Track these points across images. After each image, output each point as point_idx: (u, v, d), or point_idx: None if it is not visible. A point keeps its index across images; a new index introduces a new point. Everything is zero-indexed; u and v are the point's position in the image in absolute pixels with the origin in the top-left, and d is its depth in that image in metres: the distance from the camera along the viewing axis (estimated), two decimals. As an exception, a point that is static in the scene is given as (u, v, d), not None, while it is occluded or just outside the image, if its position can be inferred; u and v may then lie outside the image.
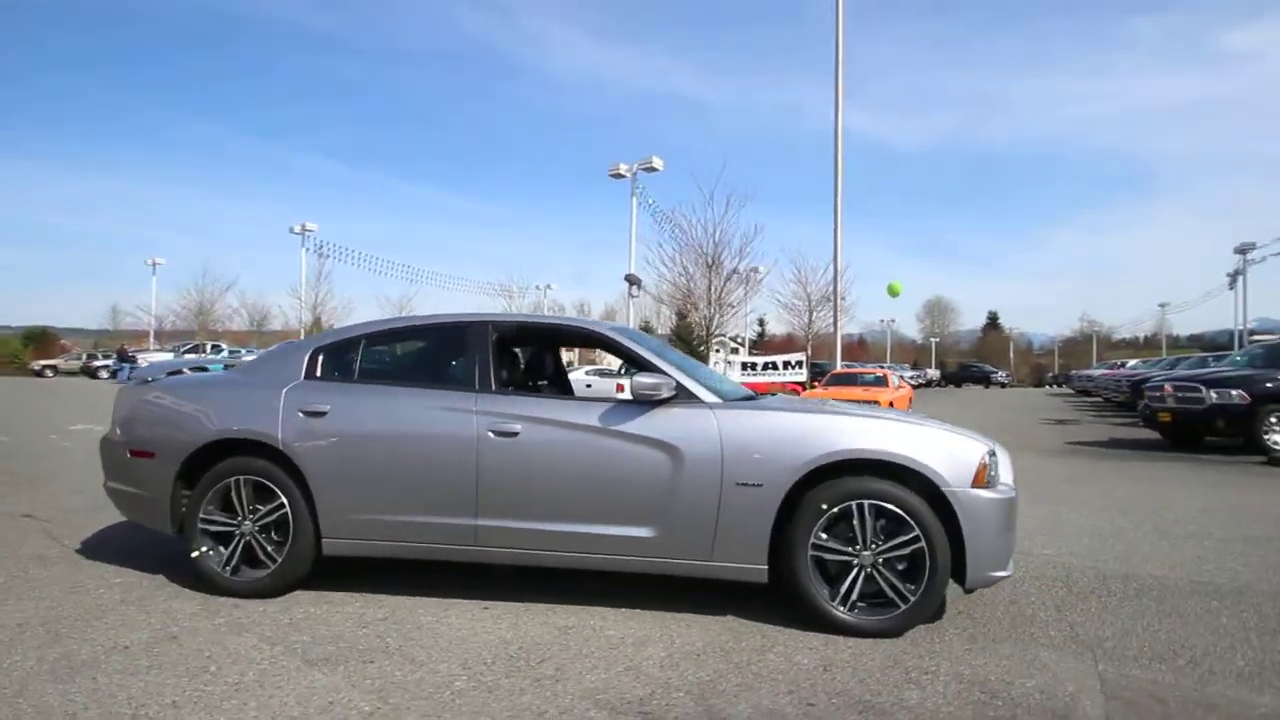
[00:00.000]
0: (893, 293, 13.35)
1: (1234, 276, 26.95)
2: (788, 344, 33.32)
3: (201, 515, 2.98)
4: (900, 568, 2.61)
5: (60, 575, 3.25)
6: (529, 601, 2.93)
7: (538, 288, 43.70)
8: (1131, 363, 23.90)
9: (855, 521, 2.61)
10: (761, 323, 58.76)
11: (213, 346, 21.80)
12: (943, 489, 2.58)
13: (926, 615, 2.62)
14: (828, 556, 2.63)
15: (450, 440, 2.84)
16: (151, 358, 21.39)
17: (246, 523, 2.96)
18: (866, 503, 2.60)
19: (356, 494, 2.89)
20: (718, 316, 15.55)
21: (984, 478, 2.63)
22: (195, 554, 2.98)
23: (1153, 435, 10.33)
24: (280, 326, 40.34)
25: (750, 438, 2.70)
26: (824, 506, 2.62)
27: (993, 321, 75.03)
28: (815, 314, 24.57)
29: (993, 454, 2.71)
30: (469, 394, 2.92)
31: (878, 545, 2.60)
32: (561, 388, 3.96)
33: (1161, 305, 45.52)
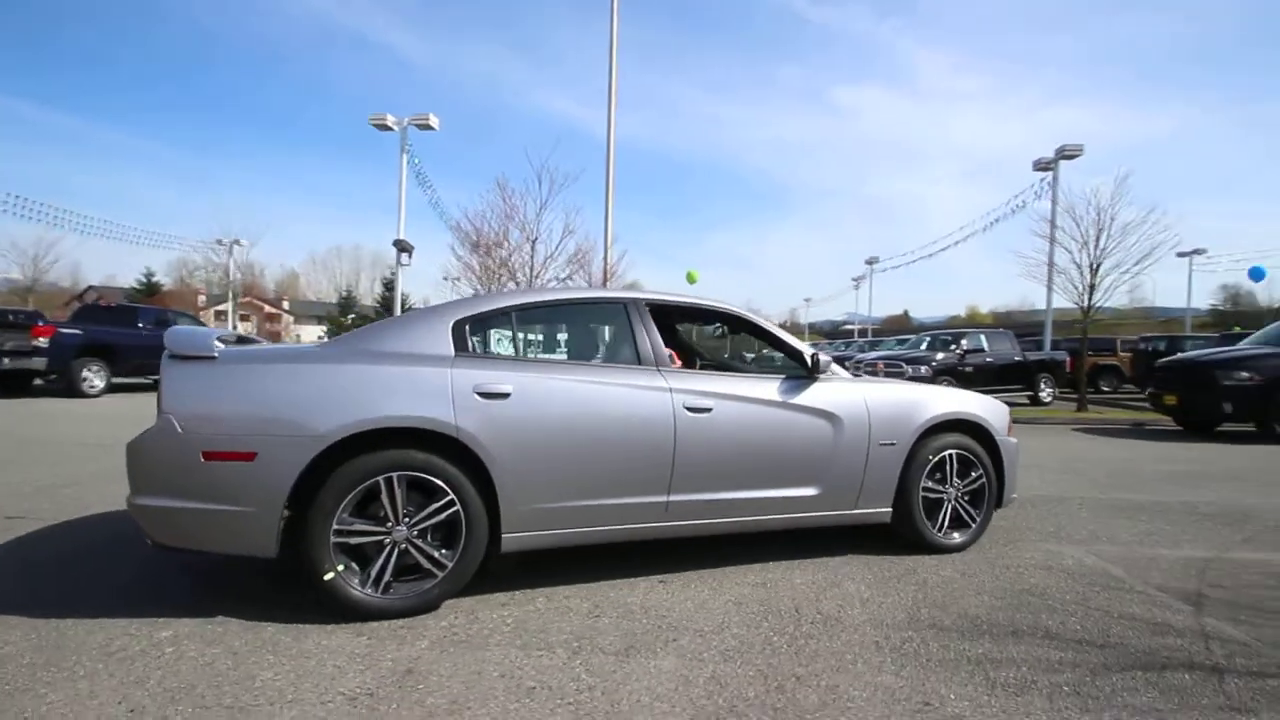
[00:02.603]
0: (690, 280, 14.92)
1: (858, 281, 36.61)
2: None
3: (335, 526, 2.39)
4: (967, 499, 3.50)
5: (51, 640, 2.22)
6: (671, 572, 3.04)
7: (220, 242, 36.10)
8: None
9: (947, 467, 3.42)
10: (476, 296, 57.96)
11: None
12: (995, 438, 3.54)
13: (984, 531, 3.57)
14: (930, 496, 3.39)
15: (649, 418, 2.80)
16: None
17: (400, 528, 2.47)
18: (955, 452, 3.43)
19: (545, 482, 2.65)
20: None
21: (1011, 428, 3.67)
22: (329, 576, 2.38)
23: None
24: None
25: (885, 405, 3.29)
26: (930, 458, 3.37)
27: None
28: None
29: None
30: (654, 371, 2.90)
31: (959, 484, 3.45)
32: None
33: (806, 300, 58.58)
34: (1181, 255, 25.84)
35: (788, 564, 3.20)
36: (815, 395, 3.15)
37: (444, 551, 2.53)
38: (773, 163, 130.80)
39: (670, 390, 2.86)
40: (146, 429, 2.36)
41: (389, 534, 2.46)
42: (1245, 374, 7.75)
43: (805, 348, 3.27)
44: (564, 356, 2.96)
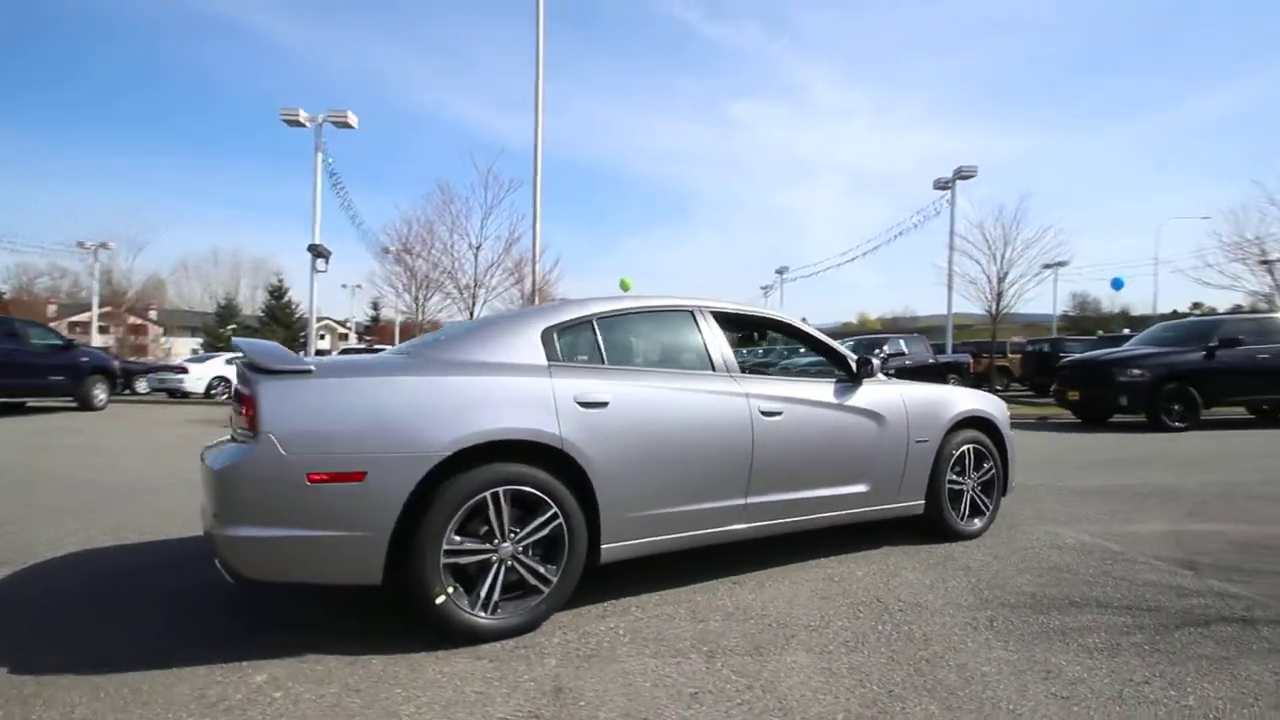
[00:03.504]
0: (624, 287, 15.02)
1: (766, 289, 38.49)
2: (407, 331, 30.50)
3: (445, 547, 2.28)
4: (980, 489, 3.83)
5: (126, 697, 1.97)
6: (736, 574, 3.12)
7: (82, 245, 32.26)
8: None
9: (966, 460, 3.73)
10: (376, 306, 55.32)
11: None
12: (1002, 432, 3.90)
13: (995, 516, 3.91)
14: (953, 487, 3.68)
15: (731, 423, 2.87)
16: None
17: (506, 545, 2.40)
18: (972, 447, 3.75)
19: (641, 490, 2.65)
20: (483, 297, 14.63)
21: (1009, 423, 4.06)
22: (442, 599, 2.27)
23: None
24: None
25: (918, 405, 3.54)
26: (954, 452, 3.66)
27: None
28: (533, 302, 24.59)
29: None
30: (729, 376, 2.98)
31: (975, 475, 3.77)
32: None
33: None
34: (1047, 266, 29.05)
35: (839, 558, 3.37)
36: (863, 397, 3.35)
37: (549, 566, 2.48)
38: (675, 173, 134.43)
39: (747, 395, 2.95)
40: (237, 454, 2.15)
41: (495, 551, 2.38)
42: (1137, 371, 8.92)
43: (850, 353, 3.47)
44: (643, 364, 2.96)
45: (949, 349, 17.57)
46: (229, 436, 2.69)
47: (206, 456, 2.38)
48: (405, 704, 1.95)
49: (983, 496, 3.81)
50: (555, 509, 2.47)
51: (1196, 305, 43.80)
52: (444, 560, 2.28)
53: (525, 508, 2.45)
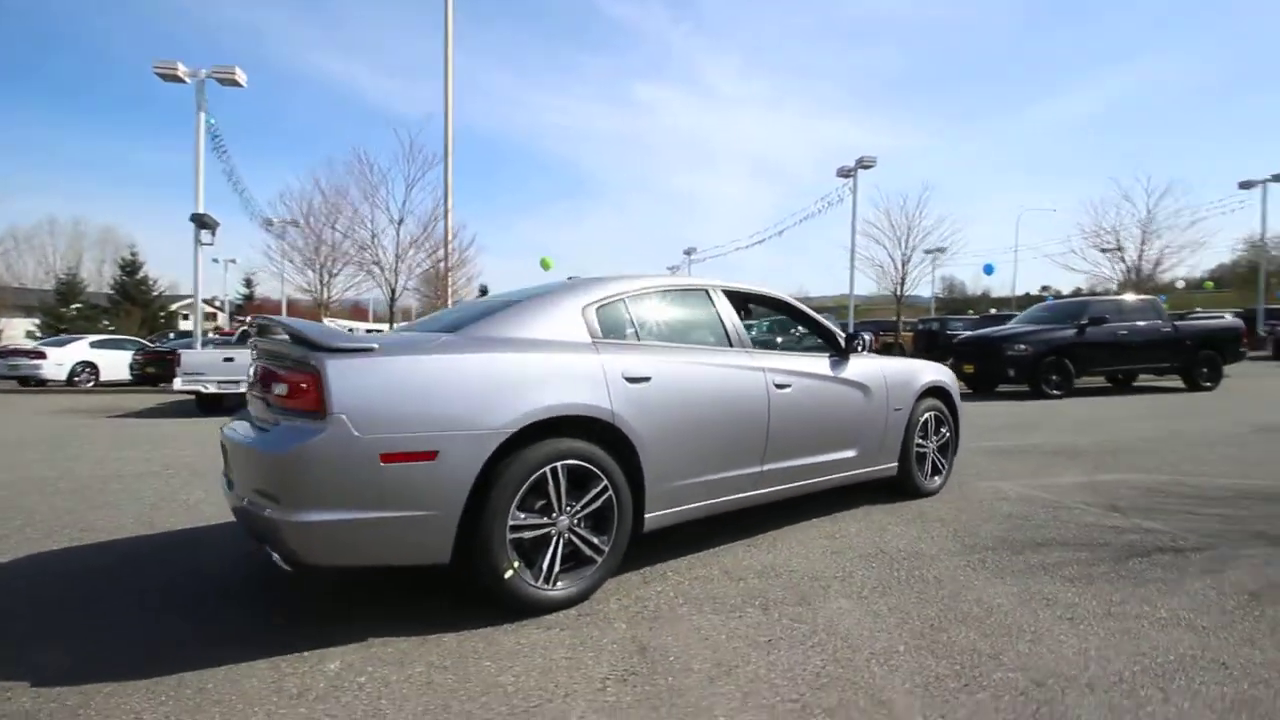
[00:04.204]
0: (545, 266, 14.74)
1: (674, 269, 39.33)
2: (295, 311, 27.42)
3: (510, 523, 2.30)
4: (938, 451, 4.27)
5: (194, 699, 1.87)
6: (748, 538, 3.36)
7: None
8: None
9: (928, 426, 4.14)
10: (250, 283, 51.04)
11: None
12: (955, 400, 4.36)
13: (950, 474, 4.37)
14: (918, 450, 4.09)
15: (752, 396, 3.04)
16: None
17: (563, 518, 2.45)
18: (933, 414, 4.17)
19: (678, 461, 2.77)
20: (404, 277, 13.67)
21: (958, 391, 4.54)
22: (509, 574, 2.30)
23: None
24: None
25: (895, 376, 3.89)
26: (920, 418, 4.06)
27: (483, 291, 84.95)
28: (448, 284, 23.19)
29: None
30: (747, 352, 3.14)
31: (934, 439, 4.21)
32: None
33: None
34: (928, 252, 31.67)
35: (831, 518, 3.67)
36: (853, 370, 3.64)
37: (601, 537, 2.55)
38: (575, 151, 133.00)
39: (764, 370, 3.14)
40: (302, 435, 2.05)
41: (554, 525, 2.43)
42: (1022, 346, 10.08)
43: (840, 331, 3.74)
44: (669, 340, 3.05)
45: (851, 326, 18.81)
46: (229, 418, 2.55)
47: (245, 438, 2.25)
48: (501, 674, 1.98)
49: (940, 457, 4.25)
50: (606, 481, 2.54)
51: (1046, 288, 49.52)
52: (510, 536, 2.30)
53: (576, 481, 2.50)
